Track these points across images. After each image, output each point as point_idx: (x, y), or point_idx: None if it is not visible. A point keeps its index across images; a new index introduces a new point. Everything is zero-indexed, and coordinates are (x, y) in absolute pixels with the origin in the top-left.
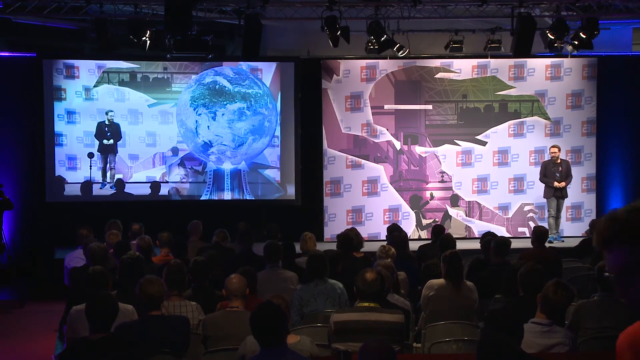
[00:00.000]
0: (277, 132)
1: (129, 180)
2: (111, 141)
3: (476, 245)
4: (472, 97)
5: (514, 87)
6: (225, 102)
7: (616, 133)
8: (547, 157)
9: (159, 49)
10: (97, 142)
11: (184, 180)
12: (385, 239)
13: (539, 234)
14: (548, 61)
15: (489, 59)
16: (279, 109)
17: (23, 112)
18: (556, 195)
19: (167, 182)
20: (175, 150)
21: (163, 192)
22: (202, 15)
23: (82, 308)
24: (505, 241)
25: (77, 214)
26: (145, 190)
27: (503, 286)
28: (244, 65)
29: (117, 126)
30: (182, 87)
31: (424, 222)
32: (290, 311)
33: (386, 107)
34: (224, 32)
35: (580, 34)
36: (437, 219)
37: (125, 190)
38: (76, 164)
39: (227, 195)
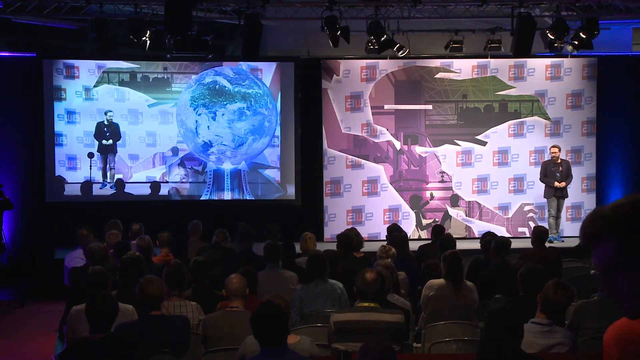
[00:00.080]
0: (277, 132)
1: (129, 180)
2: (110, 141)
3: (476, 245)
4: (472, 97)
5: (514, 87)
6: (225, 102)
7: (616, 133)
8: (547, 157)
9: (159, 49)
10: (96, 143)
11: (184, 180)
12: (385, 239)
13: (539, 234)
14: (548, 61)
15: (489, 59)
16: (279, 109)
17: (23, 112)
18: (556, 195)
19: (167, 182)
20: (175, 150)
21: (163, 192)
22: (202, 15)
23: (82, 308)
24: (505, 241)
25: (77, 214)
26: (145, 190)
27: (503, 286)
28: (244, 65)
29: (116, 126)
30: (182, 87)
31: (424, 222)
32: (290, 311)
33: (386, 107)
34: (224, 32)
35: (580, 34)
36: (437, 219)
37: (125, 190)
38: (76, 164)
39: (227, 195)
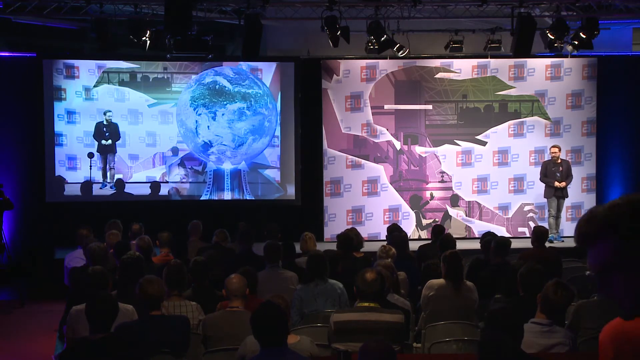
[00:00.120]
0: (277, 132)
1: (129, 180)
2: (109, 141)
3: (476, 245)
4: (472, 97)
5: (514, 87)
6: (225, 102)
7: (616, 133)
8: (547, 157)
9: (159, 49)
10: (96, 143)
11: (184, 180)
12: (385, 239)
13: (539, 234)
14: (548, 61)
15: (489, 59)
16: (279, 109)
17: (23, 112)
18: (557, 195)
19: (167, 182)
20: (175, 150)
21: (163, 192)
22: (202, 15)
23: (82, 308)
24: (505, 241)
25: (77, 214)
26: (145, 190)
27: (503, 286)
28: (244, 65)
29: (116, 126)
30: (182, 87)
31: (424, 222)
32: (290, 311)
33: (386, 107)
34: (224, 32)
35: (580, 34)
36: (437, 219)
37: (125, 190)
38: (76, 164)
39: (227, 195)
